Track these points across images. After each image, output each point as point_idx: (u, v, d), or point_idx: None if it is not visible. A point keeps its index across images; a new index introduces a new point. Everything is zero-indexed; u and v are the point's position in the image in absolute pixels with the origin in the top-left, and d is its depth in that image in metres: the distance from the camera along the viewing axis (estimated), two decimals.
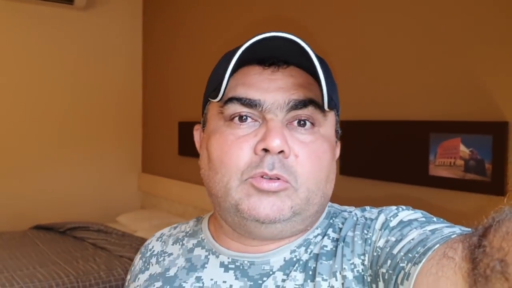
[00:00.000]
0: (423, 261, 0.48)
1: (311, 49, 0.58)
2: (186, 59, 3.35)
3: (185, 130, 3.25)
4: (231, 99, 0.63)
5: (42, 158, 3.51)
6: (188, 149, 3.16)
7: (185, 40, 3.37)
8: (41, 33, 3.49)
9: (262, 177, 0.60)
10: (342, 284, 0.59)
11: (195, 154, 0.75)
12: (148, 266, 0.76)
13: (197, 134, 0.74)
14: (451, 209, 1.69)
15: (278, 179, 0.60)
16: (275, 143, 0.59)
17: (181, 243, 0.75)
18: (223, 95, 0.61)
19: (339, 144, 0.73)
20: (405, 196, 1.87)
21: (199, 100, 0.74)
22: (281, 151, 0.60)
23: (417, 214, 0.61)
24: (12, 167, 3.41)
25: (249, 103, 0.62)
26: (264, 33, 0.59)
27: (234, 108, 0.62)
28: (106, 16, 3.73)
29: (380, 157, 1.96)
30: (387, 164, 1.92)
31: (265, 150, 0.60)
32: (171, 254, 0.75)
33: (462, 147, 1.66)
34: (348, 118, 2.07)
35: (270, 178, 0.60)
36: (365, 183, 2.03)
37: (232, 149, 0.62)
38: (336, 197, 0.75)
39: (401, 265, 0.51)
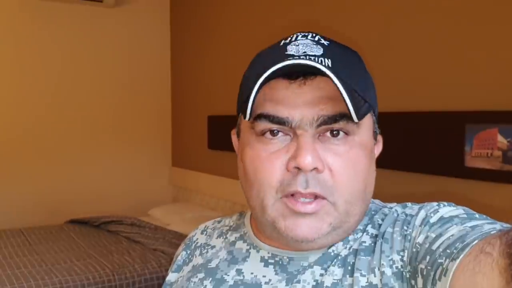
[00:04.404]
0: (461, 257, 0.47)
1: (329, 66, 0.57)
2: (214, 54, 3.36)
3: (214, 124, 3.26)
4: (259, 116, 0.61)
5: (76, 155, 3.59)
6: (217, 142, 3.17)
7: (213, 35, 3.38)
8: (72, 30, 3.56)
9: (293, 195, 0.60)
10: (380, 280, 0.58)
11: (224, 147, 0.75)
12: (191, 258, 0.78)
13: (234, 138, 0.74)
14: (488, 200, 1.66)
15: (315, 196, 0.60)
16: (306, 161, 0.57)
17: (224, 236, 0.77)
18: (250, 115, 0.60)
19: (380, 140, 0.72)
20: (440, 188, 1.83)
21: (227, 95, 0.73)
22: (314, 168, 0.59)
23: (458, 211, 0.60)
24: (47, 164, 3.51)
25: (278, 121, 0.60)
26: (287, 58, 0.59)
27: (264, 125, 0.61)
28: (135, 12, 3.78)
29: (414, 148, 1.92)
30: (422, 156, 1.89)
31: (298, 168, 0.59)
32: (214, 246, 0.76)
33: (500, 138, 1.61)
34: (381, 110, 2.03)
35: (305, 197, 0.59)
36: (399, 175, 2.00)
37: (264, 165, 0.61)
38: None
39: (439, 261, 0.51)
